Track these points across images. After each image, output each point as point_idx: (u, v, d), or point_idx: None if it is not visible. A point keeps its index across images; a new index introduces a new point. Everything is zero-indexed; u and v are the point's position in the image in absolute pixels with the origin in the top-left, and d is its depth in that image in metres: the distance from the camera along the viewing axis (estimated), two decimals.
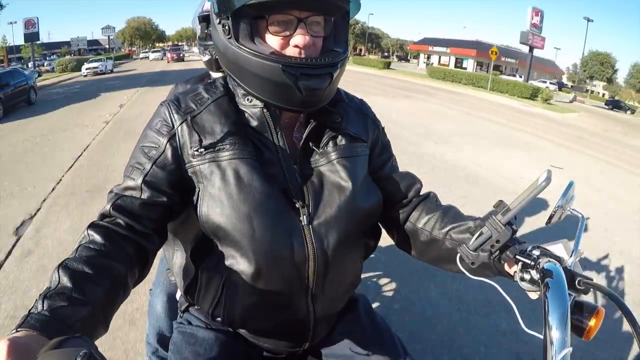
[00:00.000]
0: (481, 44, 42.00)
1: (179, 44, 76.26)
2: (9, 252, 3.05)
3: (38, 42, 40.56)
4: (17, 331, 0.51)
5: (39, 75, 27.66)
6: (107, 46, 60.76)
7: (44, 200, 4.24)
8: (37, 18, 39.14)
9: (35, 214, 3.90)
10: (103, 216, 0.76)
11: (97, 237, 0.70)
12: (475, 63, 41.14)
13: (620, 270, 3.20)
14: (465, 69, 38.50)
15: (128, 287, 0.70)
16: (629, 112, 32.23)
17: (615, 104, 34.07)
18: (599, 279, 2.99)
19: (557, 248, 0.70)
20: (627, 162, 8.13)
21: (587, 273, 0.69)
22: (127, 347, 2.10)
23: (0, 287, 2.58)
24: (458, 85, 25.75)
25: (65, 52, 55.77)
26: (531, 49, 29.74)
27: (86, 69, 26.88)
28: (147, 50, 57.98)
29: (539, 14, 30.08)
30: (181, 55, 39.26)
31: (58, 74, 30.19)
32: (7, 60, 41.79)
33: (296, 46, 0.76)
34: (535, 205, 3.62)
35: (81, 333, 0.50)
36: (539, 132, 10.53)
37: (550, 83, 38.08)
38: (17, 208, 4.00)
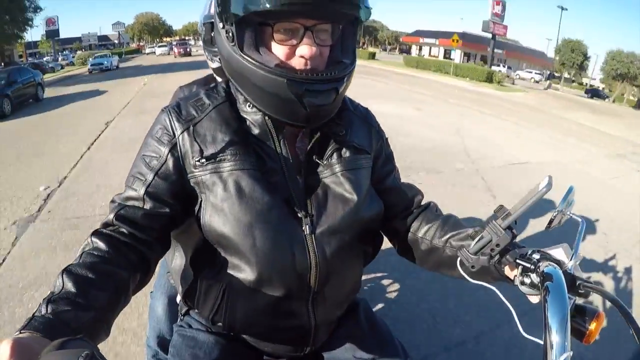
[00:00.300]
0: (466, 35, 43.79)
1: (186, 38, 76.64)
2: (104, 130, 7.66)
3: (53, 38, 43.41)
4: (20, 333, 0.51)
5: (62, 68, 32.20)
6: (116, 41, 65.17)
7: (115, 116, 8.91)
8: (57, 17, 41.05)
9: (113, 120, 8.58)
10: (106, 225, 0.75)
11: (101, 245, 0.70)
12: (463, 53, 43.35)
13: None
14: (452, 59, 40.03)
15: (129, 293, 0.71)
16: (607, 99, 34.05)
17: (594, 93, 35.48)
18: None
19: (557, 252, 0.70)
20: (523, 120, 10.82)
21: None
22: None
23: (106, 135, 7.24)
24: (427, 71, 29.25)
25: (78, 47, 58.31)
26: (493, 36, 32.73)
27: (91, 65, 26.25)
28: (153, 45, 56.61)
29: (500, 3, 32.59)
30: (188, 50, 38.65)
31: (78, 67, 34.43)
32: (26, 55, 42.45)
33: (302, 57, 0.72)
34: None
35: (83, 336, 0.50)
36: (450, 99, 13.88)
37: (536, 73, 40.87)
38: (103, 118, 8.66)
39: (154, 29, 73.57)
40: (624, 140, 9.57)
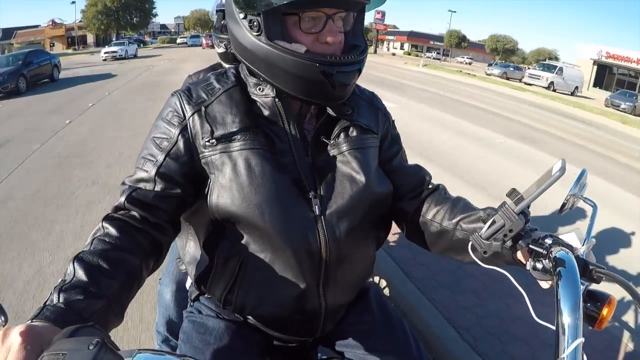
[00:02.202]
0: (413, 33, 67.00)
1: None
2: (144, 70, 16.39)
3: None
4: (32, 322, 0.51)
5: (152, 43, 49.68)
6: (173, 30, 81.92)
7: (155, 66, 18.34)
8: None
9: (155, 65, 18.66)
10: (117, 209, 0.75)
11: (112, 230, 0.70)
12: (410, 45, 64.95)
13: None
14: (403, 49, 63.19)
15: (142, 278, 0.71)
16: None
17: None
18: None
19: (570, 237, 0.70)
20: None
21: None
22: None
23: (148, 74, 15.55)
24: None
25: (145, 32, 69.88)
26: (377, 31, 52.70)
27: (105, 52, 25.86)
28: (185, 35, 58.53)
29: (380, 12, 49.37)
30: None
31: (161, 43, 52.13)
32: (117, 35, 53.03)
33: (327, 43, 0.77)
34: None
35: (95, 324, 0.51)
36: None
37: (468, 58, 54.73)
38: (147, 67, 18.03)
39: (205, 22, 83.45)
40: None
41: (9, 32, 48.28)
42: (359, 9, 0.84)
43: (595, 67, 29.66)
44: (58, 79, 14.23)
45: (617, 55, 28.18)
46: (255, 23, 0.76)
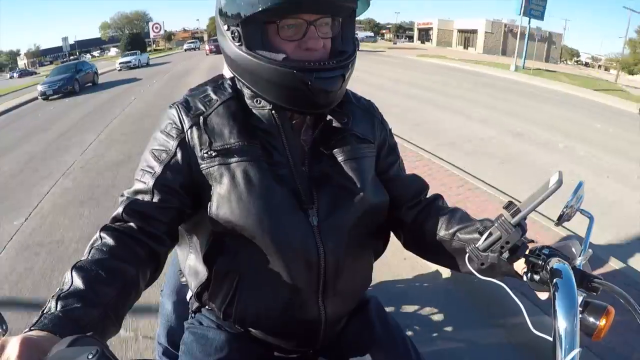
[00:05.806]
0: (379, 26, 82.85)
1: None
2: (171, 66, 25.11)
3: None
4: (30, 330, 0.51)
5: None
6: (203, 36, 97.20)
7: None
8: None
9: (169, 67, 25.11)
10: (115, 219, 0.76)
11: (109, 240, 0.70)
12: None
13: None
14: None
15: (139, 288, 0.71)
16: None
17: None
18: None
19: (567, 247, 0.70)
20: None
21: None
22: None
23: (173, 69, 23.15)
24: None
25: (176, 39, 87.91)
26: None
27: (120, 63, 28.62)
28: (193, 41, 63.80)
29: None
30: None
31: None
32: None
33: (307, 49, 0.77)
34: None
35: (93, 333, 0.51)
36: None
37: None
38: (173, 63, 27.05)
39: None
40: None
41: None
42: (347, 14, 0.82)
43: (417, 30, 65.19)
44: (98, 83, 18.75)
45: (420, 22, 61.47)
46: (236, 34, 0.77)
